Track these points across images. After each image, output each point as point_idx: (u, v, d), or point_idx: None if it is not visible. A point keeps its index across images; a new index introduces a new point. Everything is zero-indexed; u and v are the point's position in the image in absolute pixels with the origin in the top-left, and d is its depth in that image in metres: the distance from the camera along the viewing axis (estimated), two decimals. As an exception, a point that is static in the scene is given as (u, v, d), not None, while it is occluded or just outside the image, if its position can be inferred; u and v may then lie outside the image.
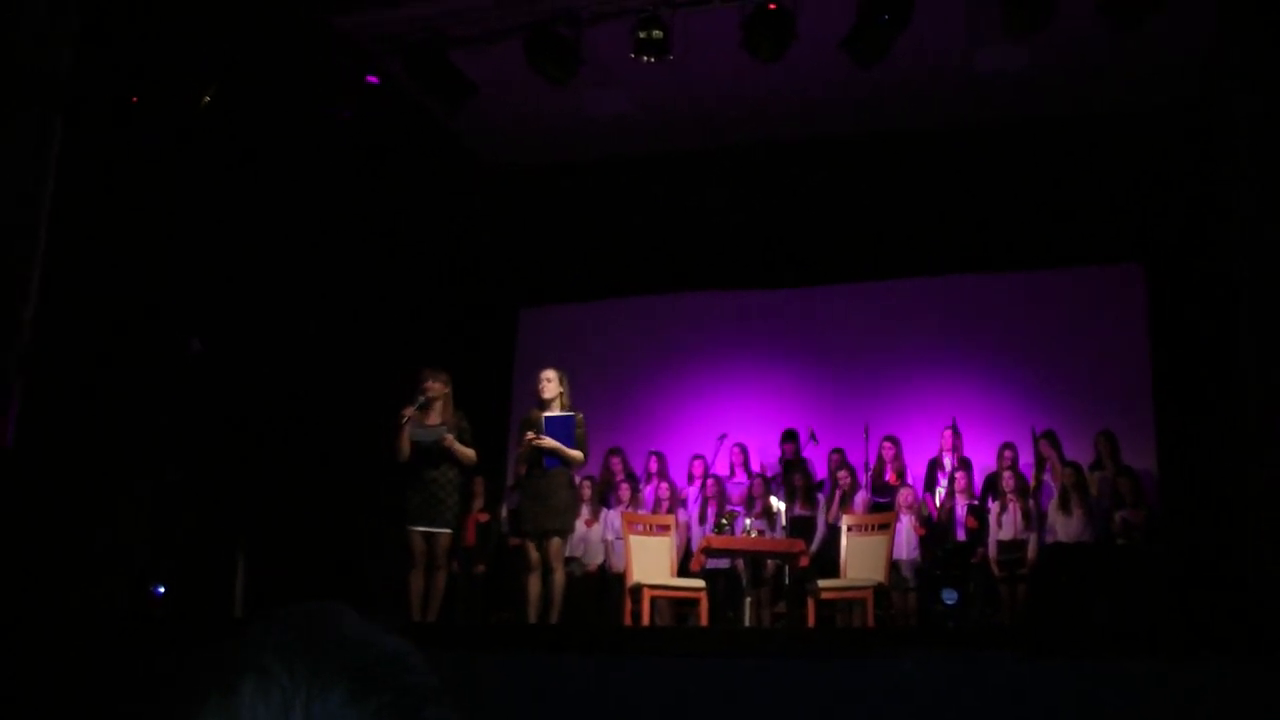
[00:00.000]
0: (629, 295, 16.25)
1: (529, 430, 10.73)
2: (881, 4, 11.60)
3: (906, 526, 12.83)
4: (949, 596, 11.41)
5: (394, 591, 10.92)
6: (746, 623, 11.94)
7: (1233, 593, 10.56)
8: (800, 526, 13.29)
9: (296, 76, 12.68)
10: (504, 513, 13.94)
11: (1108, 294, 14.73)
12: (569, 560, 12.12)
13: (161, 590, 11.38)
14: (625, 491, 13.85)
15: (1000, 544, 12.78)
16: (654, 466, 14.35)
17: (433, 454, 10.67)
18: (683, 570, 12.30)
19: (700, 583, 11.74)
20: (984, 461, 13.78)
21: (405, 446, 10.69)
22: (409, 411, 10.68)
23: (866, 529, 12.25)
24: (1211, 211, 12.60)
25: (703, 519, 13.55)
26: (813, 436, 14.40)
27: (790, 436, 14.56)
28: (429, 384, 10.80)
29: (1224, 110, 11.47)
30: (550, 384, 10.86)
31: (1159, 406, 13.99)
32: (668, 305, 16.21)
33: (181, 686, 1.42)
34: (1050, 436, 13.39)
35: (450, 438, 10.68)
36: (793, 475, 13.83)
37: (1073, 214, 14.40)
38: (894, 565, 12.38)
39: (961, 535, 12.91)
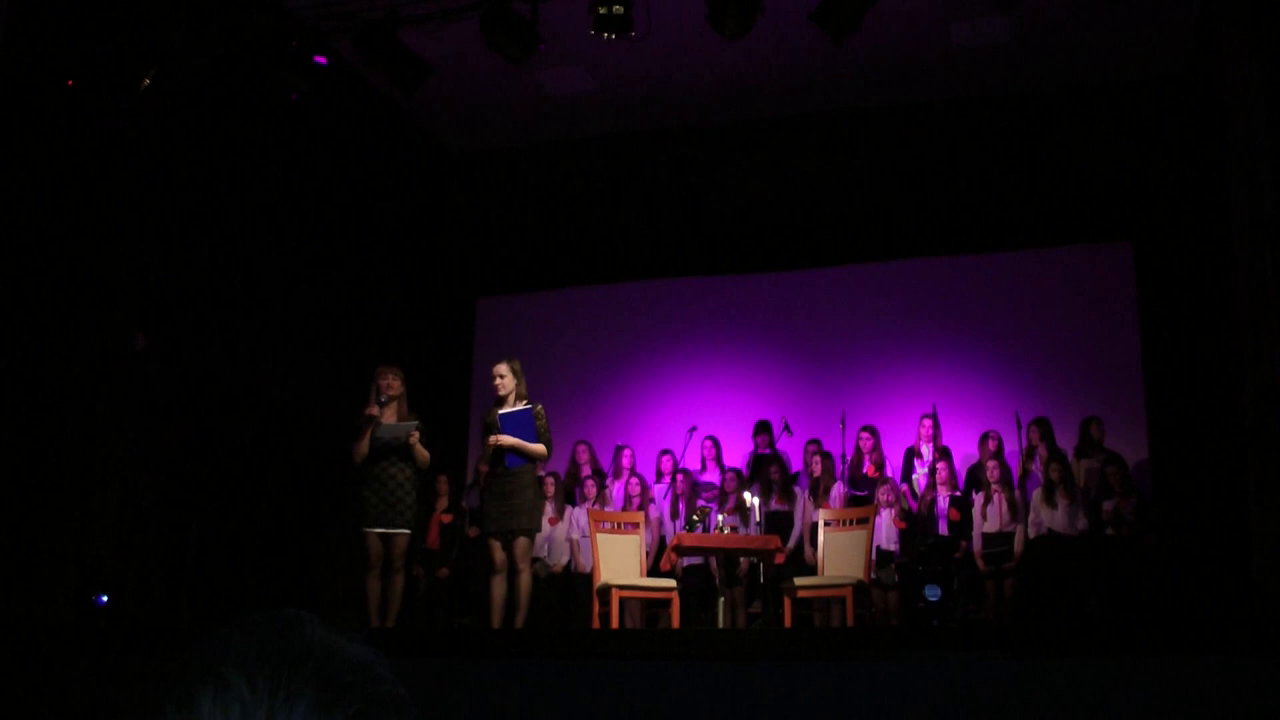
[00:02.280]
0: (593, 283, 16.24)
1: (489, 431, 10.69)
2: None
3: (886, 521, 12.77)
4: (932, 593, 11.38)
5: (350, 596, 10.84)
6: (720, 624, 11.78)
7: (1229, 584, 10.56)
8: (776, 522, 13.17)
9: (243, 57, 12.58)
10: (466, 513, 13.86)
11: (1095, 274, 14.67)
12: (534, 560, 11.96)
13: (104, 599, 11.29)
14: (591, 488, 13.74)
15: (985, 537, 12.66)
16: (623, 461, 14.25)
17: (389, 452, 10.61)
18: (653, 570, 12.27)
19: (671, 583, 11.73)
20: (966, 450, 13.79)
21: (364, 447, 10.63)
22: (375, 411, 10.62)
23: (845, 524, 12.24)
24: (1203, 186, 12.60)
25: (674, 515, 13.43)
26: (786, 428, 14.33)
27: (763, 428, 14.52)
28: (389, 381, 10.74)
29: (1215, 80, 11.46)
30: (505, 380, 10.78)
31: (1149, 391, 13.98)
32: (634, 293, 16.16)
33: (135, 700, 1.39)
34: (1042, 424, 13.35)
35: (417, 434, 10.63)
36: (768, 468, 13.76)
37: (1057, 191, 14.39)
38: (880, 553, 12.37)
39: (944, 529, 12.83)
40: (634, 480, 13.70)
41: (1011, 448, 13.41)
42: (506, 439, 10.50)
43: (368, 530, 10.55)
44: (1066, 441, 13.27)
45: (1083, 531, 12.26)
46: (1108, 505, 12.34)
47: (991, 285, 14.97)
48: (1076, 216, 14.49)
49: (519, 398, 10.76)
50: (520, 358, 11.01)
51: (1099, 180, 14.20)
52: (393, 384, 10.77)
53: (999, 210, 14.66)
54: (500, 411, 10.65)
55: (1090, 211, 14.42)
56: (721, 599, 12.01)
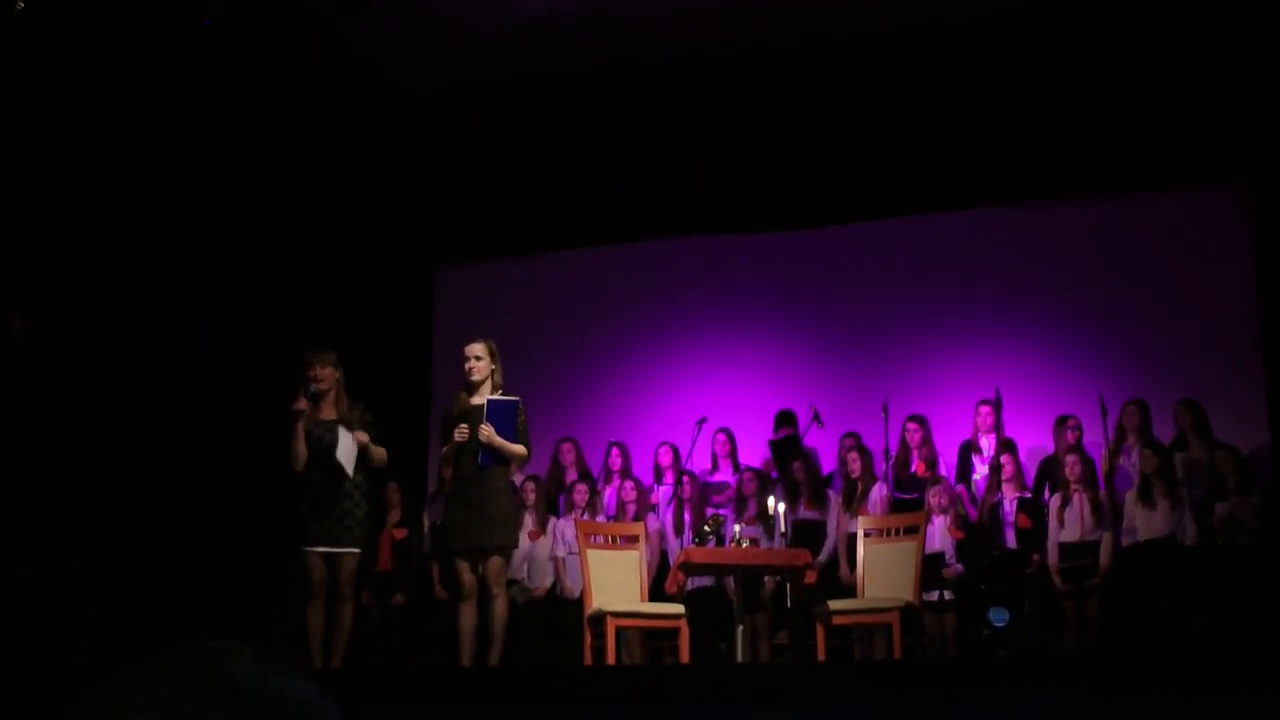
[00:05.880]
0: (576, 246, 16.16)
1: (462, 423, 10.51)
2: None
3: (940, 530, 12.62)
4: (998, 618, 11.36)
5: (289, 628, 10.86)
6: (739, 657, 11.73)
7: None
8: (805, 533, 13.10)
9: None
10: (425, 527, 13.73)
11: (1200, 224, 14.44)
12: (511, 583, 12.02)
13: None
14: (581, 494, 13.65)
15: (1063, 548, 12.52)
16: (615, 462, 14.20)
17: (333, 455, 10.47)
18: (656, 593, 12.17)
19: (679, 608, 11.57)
20: (1036, 441, 13.64)
21: (302, 450, 10.56)
22: (303, 405, 10.45)
23: (889, 534, 12.16)
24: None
25: (679, 527, 13.32)
26: (816, 418, 14.17)
27: (788, 419, 14.35)
28: (316, 371, 10.60)
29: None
30: (479, 363, 10.76)
31: (1270, 365, 13.75)
32: (627, 257, 16.15)
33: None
34: (1140, 407, 13.08)
35: (365, 436, 10.55)
36: (793, 468, 13.56)
37: (1154, 123, 14.02)
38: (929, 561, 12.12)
39: (1011, 539, 12.67)
40: (628, 484, 13.55)
41: (1094, 438, 13.10)
42: (489, 431, 10.28)
43: (309, 550, 10.53)
44: (1164, 431, 13.03)
45: (1188, 539, 12.03)
46: (1221, 508, 12.10)
47: (1069, 240, 14.81)
48: (1178, 153, 14.15)
49: (495, 386, 10.67)
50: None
51: (1205, 108, 13.82)
52: (322, 374, 10.65)
53: (1079, 147, 14.27)
54: (488, 397, 10.53)
55: (1196, 147, 14.08)
56: (740, 627, 12.00)
